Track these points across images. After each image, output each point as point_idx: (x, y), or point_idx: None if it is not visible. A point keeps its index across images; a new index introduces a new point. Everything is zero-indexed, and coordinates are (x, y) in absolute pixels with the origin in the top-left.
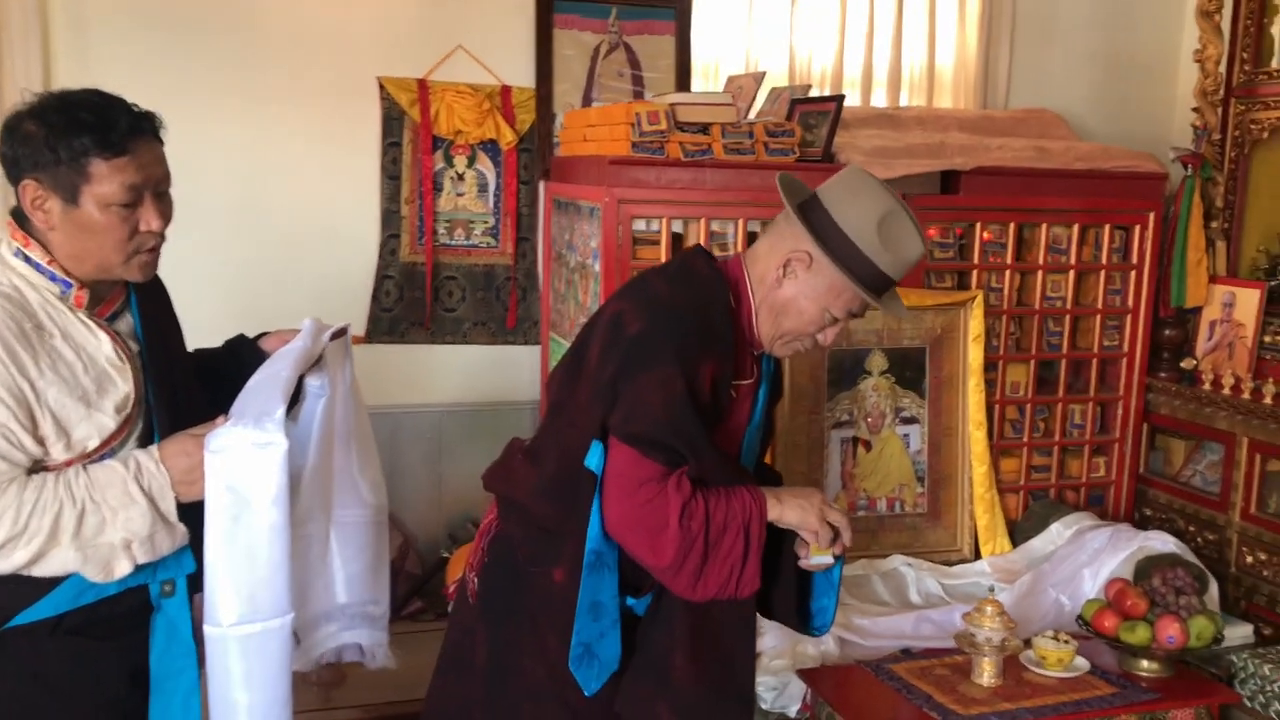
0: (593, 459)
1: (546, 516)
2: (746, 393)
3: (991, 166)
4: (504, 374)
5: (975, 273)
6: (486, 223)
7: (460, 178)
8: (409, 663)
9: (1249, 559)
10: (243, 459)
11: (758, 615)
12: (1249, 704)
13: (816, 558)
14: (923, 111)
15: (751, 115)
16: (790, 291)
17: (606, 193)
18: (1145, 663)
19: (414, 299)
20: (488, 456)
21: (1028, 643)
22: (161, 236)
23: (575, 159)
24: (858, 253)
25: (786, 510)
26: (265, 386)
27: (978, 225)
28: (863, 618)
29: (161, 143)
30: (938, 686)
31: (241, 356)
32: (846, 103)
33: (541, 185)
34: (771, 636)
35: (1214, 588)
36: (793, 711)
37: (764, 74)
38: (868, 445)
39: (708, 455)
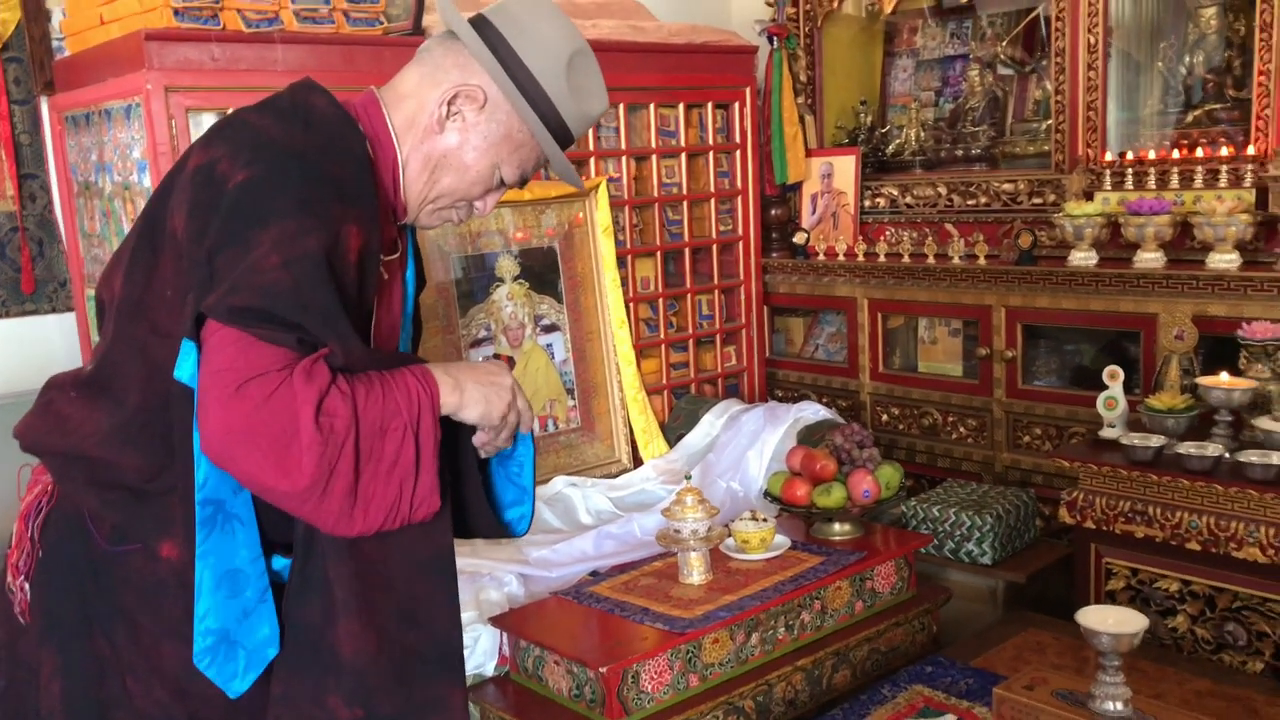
0: (185, 367)
1: (134, 470)
2: (396, 273)
3: (592, 41)
4: (27, 354)
5: (593, 161)
6: None
7: None
8: None
9: (884, 416)
10: None
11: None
12: (923, 549)
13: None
14: None
15: None
16: (454, 139)
17: (146, 78)
18: (837, 526)
19: None
20: (16, 466)
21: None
22: None
23: (92, 53)
24: (543, 96)
25: (468, 404)
26: None
27: None
28: (539, 549)
29: None
30: (649, 597)
31: None
32: None
33: (44, 102)
34: None
35: None
36: (490, 669)
37: None
38: (511, 361)
39: (352, 340)
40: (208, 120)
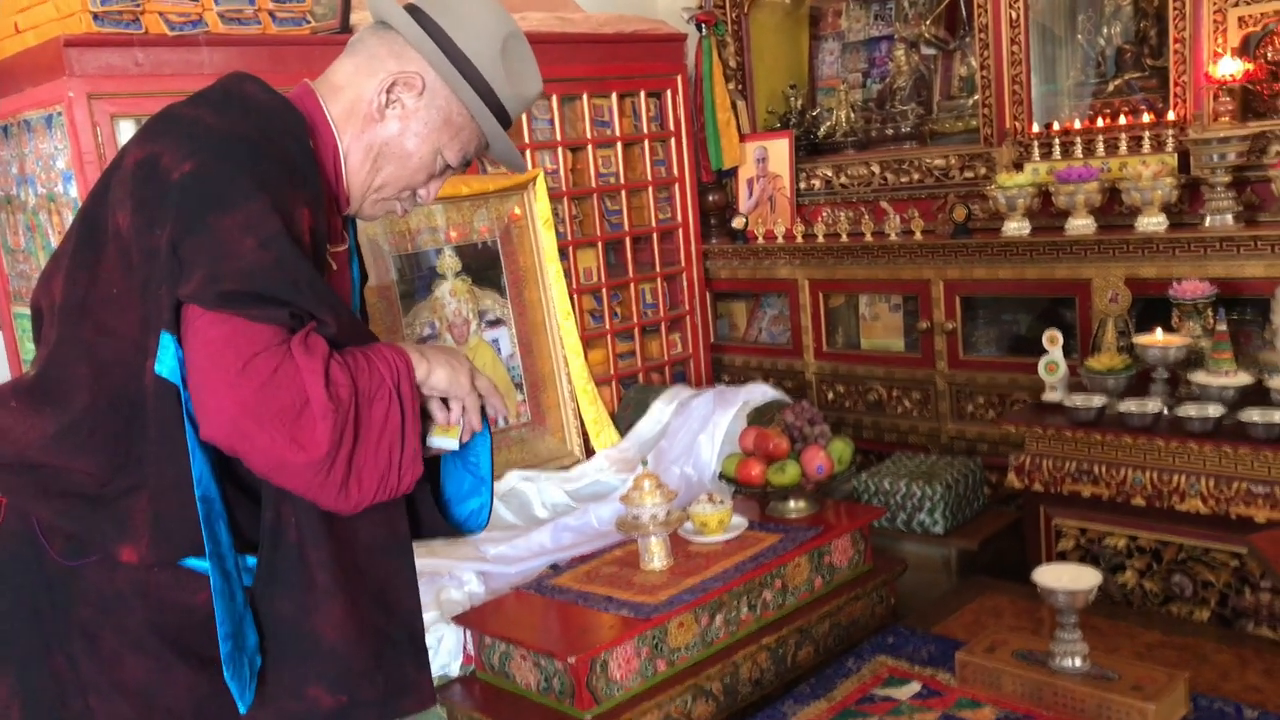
0: (166, 362)
1: (87, 475)
2: (344, 264)
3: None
4: None
5: (529, 153)
6: None
7: None
8: None
9: (829, 395)
10: None
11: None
12: (876, 522)
13: (440, 439)
14: None
15: None
16: (395, 127)
17: (68, 86)
18: (793, 503)
19: None
20: None
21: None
22: None
23: (8, 62)
24: (480, 79)
25: (435, 368)
26: None
27: None
28: (497, 545)
29: None
30: (612, 585)
31: None
32: None
33: None
34: None
35: None
36: (455, 669)
37: None
38: None
39: (342, 308)
40: (133, 128)
